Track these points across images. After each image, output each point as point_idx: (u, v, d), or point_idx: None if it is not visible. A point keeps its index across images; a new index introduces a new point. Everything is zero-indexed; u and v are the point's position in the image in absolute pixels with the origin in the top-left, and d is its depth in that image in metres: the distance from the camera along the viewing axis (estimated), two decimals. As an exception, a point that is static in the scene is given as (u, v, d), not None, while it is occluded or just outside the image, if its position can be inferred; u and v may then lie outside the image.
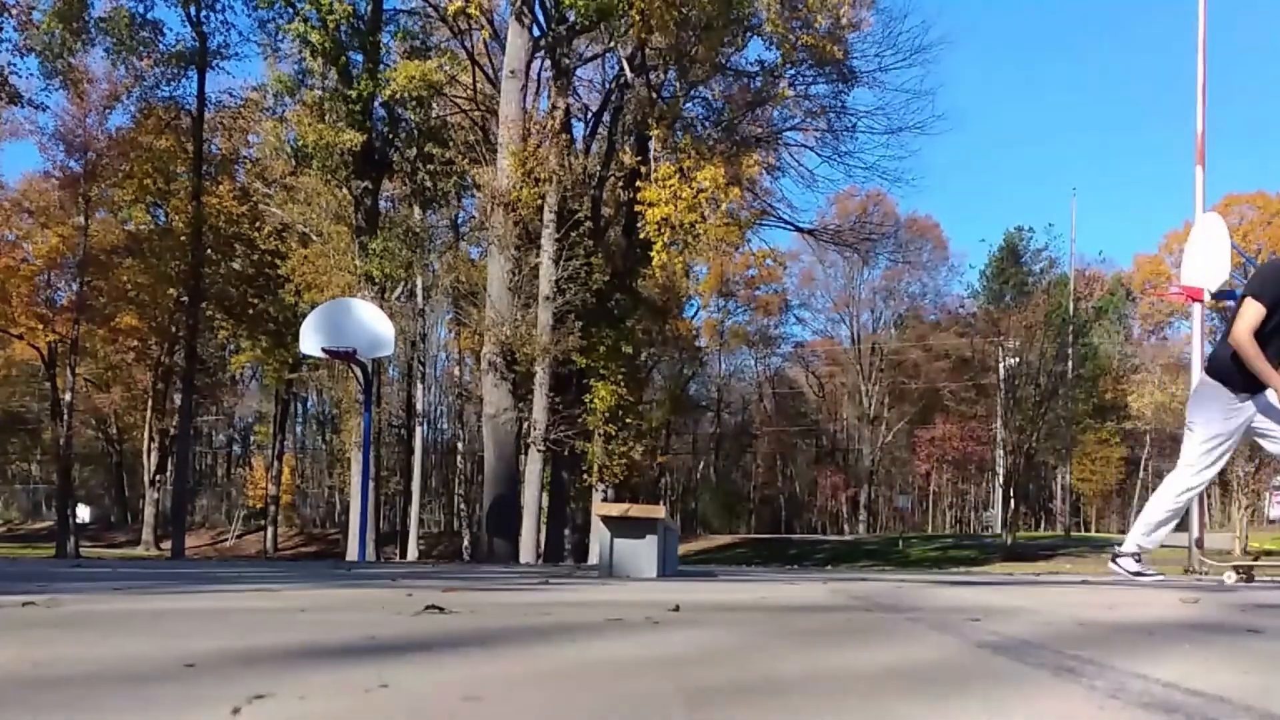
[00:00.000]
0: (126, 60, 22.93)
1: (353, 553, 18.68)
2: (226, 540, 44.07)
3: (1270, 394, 4.72)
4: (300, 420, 53.38)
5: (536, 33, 18.41)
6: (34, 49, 21.50)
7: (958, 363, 44.14)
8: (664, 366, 42.56)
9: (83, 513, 43.69)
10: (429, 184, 21.76)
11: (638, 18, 17.27)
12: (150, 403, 37.44)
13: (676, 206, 17.72)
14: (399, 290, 22.41)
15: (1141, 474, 48.49)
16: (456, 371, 43.87)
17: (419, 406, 33.15)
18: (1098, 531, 45.02)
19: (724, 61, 20.81)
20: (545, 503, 20.19)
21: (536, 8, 18.41)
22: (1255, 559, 8.30)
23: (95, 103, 29.22)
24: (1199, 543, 10.11)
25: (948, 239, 50.54)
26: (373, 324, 12.48)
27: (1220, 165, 55.64)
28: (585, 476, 20.47)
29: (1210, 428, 4.83)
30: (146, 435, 38.30)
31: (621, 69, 20.28)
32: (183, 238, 26.22)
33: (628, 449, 19.39)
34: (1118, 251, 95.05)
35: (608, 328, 19.47)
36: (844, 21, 20.05)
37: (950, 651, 1.15)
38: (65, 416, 31.13)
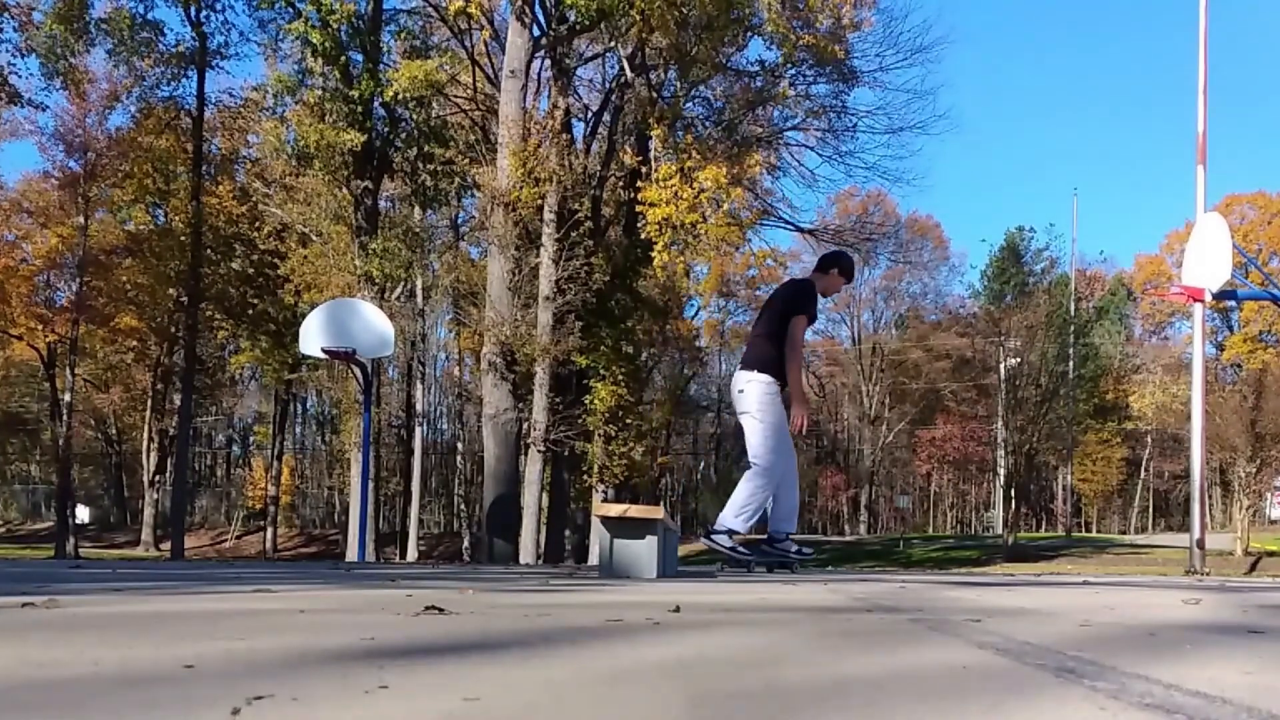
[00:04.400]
0: (127, 61, 22.92)
1: (352, 553, 18.67)
2: (226, 541, 44.09)
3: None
4: (300, 421, 53.41)
5: (537, 32, 18.40)
6: (34, 49, 21.49)
7: (958, 363, 44.13)
8: (664, 367, 42.58)
9: (82, 513, 43.69)
10: (429, 184, 21.74)
11: (638, 17, 17.25)
12: (150, 403, 37.44)
13: (678, 206, 17.70)
14: (399, 290, 22.39)
15: (1143, 474, 48.48)
16: (456, 372, 43.94)
17: (419, 407, 33.16)
18: (1099, 532, 45.01)
19: (724, 61, 20.78)
20: (545, 503, 20.19)
21: (537, 8, 18.39)
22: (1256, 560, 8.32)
23: (95, 103, 29.21)
24: (1200, 543, 10.11)
25: (948, 239, 50.63)
26: (373, 324, 12.49)
27: (1221, 165, 55.74)
28: (585, 477, 20.46)
29: (772, 416, 5.46)
30: (146, 436, 38.30)
31: (622, 69, 20.27)
32: (182, 238, 26.23)
33: (628, 449, 19.39)
34: (1119, 251, 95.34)
35: (608, 328, 19.47)
36: (845, 21, 20.04)
37: (952, 653, 1.15)
38: (64, 417, 31.12)
